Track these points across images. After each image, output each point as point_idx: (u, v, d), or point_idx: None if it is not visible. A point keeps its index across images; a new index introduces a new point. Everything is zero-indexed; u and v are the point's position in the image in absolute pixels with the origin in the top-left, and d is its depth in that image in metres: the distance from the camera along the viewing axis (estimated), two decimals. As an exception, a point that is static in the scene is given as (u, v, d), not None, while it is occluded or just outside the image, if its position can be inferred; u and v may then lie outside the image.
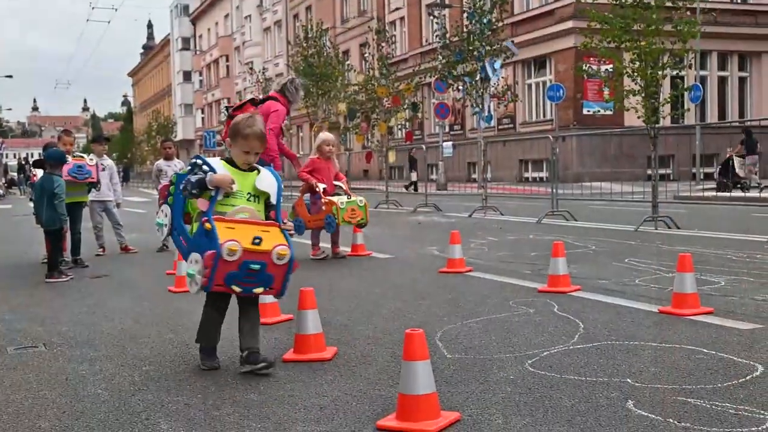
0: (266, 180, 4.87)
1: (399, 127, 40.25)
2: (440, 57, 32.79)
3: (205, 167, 4.71)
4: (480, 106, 31.41)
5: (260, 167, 4.94)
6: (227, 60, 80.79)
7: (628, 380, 4.37)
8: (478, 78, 30.32)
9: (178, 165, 12.90)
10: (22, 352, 5.66)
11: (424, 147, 27.75)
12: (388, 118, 32.21)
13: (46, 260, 9.84)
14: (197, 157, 5.04)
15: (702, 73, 35.56)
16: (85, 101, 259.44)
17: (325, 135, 10.92)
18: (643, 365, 4.69)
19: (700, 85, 29.94)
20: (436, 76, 33.72)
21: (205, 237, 4.57)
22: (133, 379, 4.80)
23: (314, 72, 38.66)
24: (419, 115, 40.46)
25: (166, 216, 5.03)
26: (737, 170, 25.86)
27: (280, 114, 9.66)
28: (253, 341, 4.81)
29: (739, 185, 24.81)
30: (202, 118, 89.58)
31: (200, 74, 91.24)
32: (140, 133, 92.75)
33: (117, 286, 8.83)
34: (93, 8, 67.67)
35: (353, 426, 3.79)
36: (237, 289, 4.64)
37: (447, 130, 40.77)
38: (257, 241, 4.57)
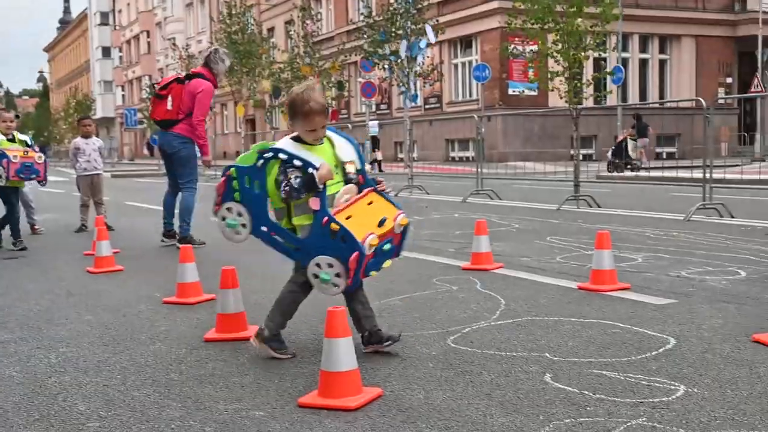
0: (344, 148, 4.57)
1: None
2: (366, 36, 32.77)
3: (296, 162, 4.28)
4: (406, 85, 31.52)
5: (328, 134, 4.58)
6: (148, 36, 79.35)
7: (547, 354, 4.47)
8: (403, 57, 30.38)
9: (96, 143, 12.69)
10: (-66, 334, 5.53)
11: (349, 126, 27.70)
12: (313, 96, 31.98)
13: None
14: (274, 150, 4.42)
15: (624, 55, 36.19)
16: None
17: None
18: (562, 340, 4.80)
19: (622, 67, 30.51)
20: (362, 55, 33.68)
21: (332, 239, 4.22)
22: (49, 361, 4.73)
23: (238, 49, 38.23)
24: (345, 94, 40.39)
25: (239, 215, 4.60)
26: (630, 152, 26.86)
27: (208, 93, 9.59)
28: (371, 321, 4.64)
29: (629, 166, 25.81)
30: (123, 96, 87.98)
31: (120, 50, 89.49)
32: (57, 110, 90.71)
33: (32, 267, 8.66)
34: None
35: (275, 403, 3.81)
36: (374, 273, 4.53)
37: (373, 109, 40.73)
38: (383, 221, 4.38)
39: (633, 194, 16.38)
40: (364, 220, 4.33)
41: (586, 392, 3.81)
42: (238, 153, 51.09)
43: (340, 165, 4.52)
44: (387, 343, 4.60)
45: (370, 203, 4.47)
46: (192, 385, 4.16)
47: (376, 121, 33.97)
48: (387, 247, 4.44)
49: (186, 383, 4.19)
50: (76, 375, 4.42)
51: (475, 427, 3.42)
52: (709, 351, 4.44)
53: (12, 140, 10.23)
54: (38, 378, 4.39)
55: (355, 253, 4.17)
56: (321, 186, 4.25)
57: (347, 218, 4.25)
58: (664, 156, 30.94)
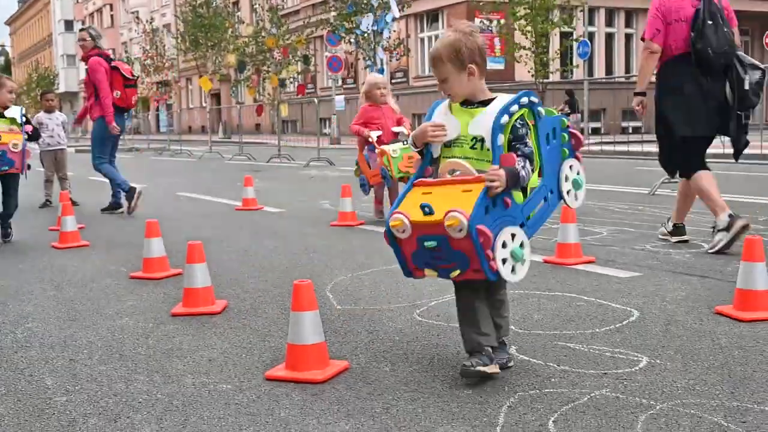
0: (483, 121, 3.61)
1: (291, 80, 39.93)
2: (332, 10, 32.60)
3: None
4: (372, 59, 31.45)
5: (498, 95, 3.70)
6: (111, 9, 78.34)
7: (512, 327, 4.49)
8: (369, 30, 30.30)
9: (59, 118, 12.60)
10: None
11: (316, 101, 27.62)
12: (279, 70, 31.96)
13: None
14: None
15: (590, 29, 36.26)
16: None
17: (374, 77, 9.87)
18: (527, 312, 4.85)
19: (588, 42, 30.55)
20: (328, 29, 33.51)
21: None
22: (15, 336, 4.71)
23: (203, 23, 37.92)
24: (311, 68, 40.22)
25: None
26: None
27: (100, 71, 10.81)
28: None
29: None
30: (86, 70, 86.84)
31: (83, 23, 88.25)
32: (20, 84, 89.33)
33: (-3, 242, 8.60)
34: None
35: (242, 377, 3.83)
36: (433, 272, 3.71)
37: (340, 83, 40.59)
38: (427, 209, 3.47)
39: (598, 169, 16.48)
40: (419, 201, 3.55)
41: (551, 364, 3.86)
42: (203, 128, 50.77)
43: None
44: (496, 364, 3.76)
45: (468, 191, 3.50)
46: (159, 359, 4.16)
47: (343, 96, 33.85)
48: (431, 243, 3.53)
49: (153, 357, 4.20)
50: (42, 350, 4.41)
51: (442, 399, 3.45)
52: (672, 323, 4.50)
53: (1, 116, 8.22)
54: (4, 353, 4.38)
55: (383, 231, 3.73)
56: (418, 147, 3.83)
57: (426, 193, 3.60)
58: (630, 131, 31.08)
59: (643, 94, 7.14)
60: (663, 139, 7.04)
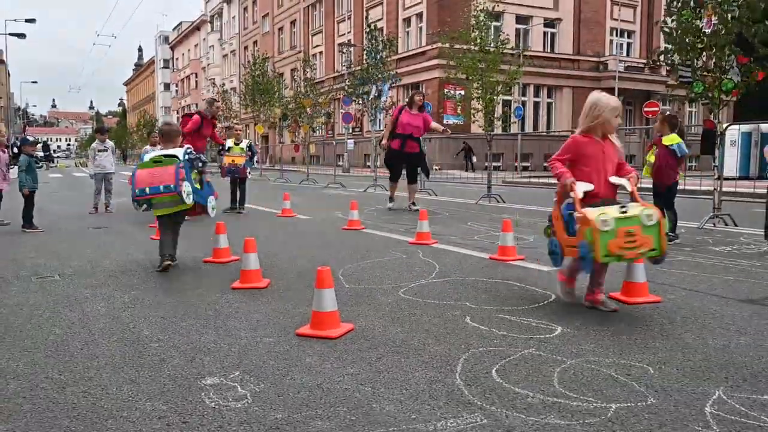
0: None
1: (318, 127, 39.91)
2: (347, 81, 32.58)
3: None
4: (374, 115, 31.48)
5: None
6: (196, 76, 78.22)
7: (467, 303, 4.48)
8: (372, 96, 30.35)
9: (159, 150, 12.55)
10: (43, 280, 5.42)
11: (333, 142, 27.48)
12: (310, 121, 31.94)
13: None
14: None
15: (523, 98, 36.36)
16: (91, 102, 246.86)
17: (613, 101, 4.31)
18: (477, 293, 4.81)
19: (522, 107, 30.62)
20: (343, 94, 33.48)
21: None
22: (123, 300, 4.66)
23: (259, 87, 37.82)
24: (331, 120, 40.14)
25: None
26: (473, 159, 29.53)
27: (195, 121, 10.50)
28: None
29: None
30: (177, 118, 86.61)
31: (176, 86, 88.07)
32: (132, 126, 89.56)
33: (112, 234, 8.53)
34: (98, 35, 65.23)
35: (280, 333, 3.78)
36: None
37: (350, 131, 40.49)
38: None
39: (527, 195, 16.45)
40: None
41: (494, 330, 3.82)
42: (257, 161, 50.68)
43: None
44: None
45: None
46: (223, 319, 4.11)
47: (352, 140, 33.77)
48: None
49: (218, 317, 4.15)
50: (142, 309, 4.36)
51: (417, 352, 3.41)
52: (578, 303, 4.46)
53: (237, 143, 11.34)
54: (115, 311, 4.32)
55: None
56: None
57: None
58: (550, 169, 31.09)
59: None
60: None
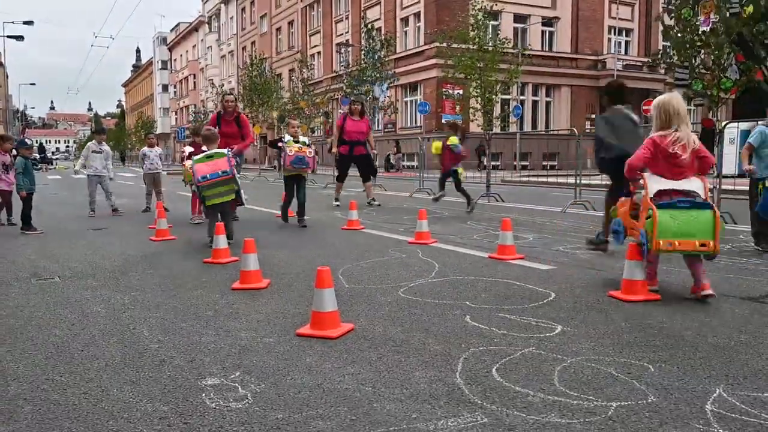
0: None
1: (316, 128, 39.91)
2: (345, 81, 32.60)
3: None
4: (372, 115, 31.47)
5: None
6: (194, 77, 78.15)
7: (467, 302, 4.48)
8: (370, 96, 30.34)
9: (157, 151, 12.58)
10: (43, 282, 5.42)
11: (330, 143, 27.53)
12: (308, 121, 31.95)
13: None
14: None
15: (522, 97, 36.36)
16: (89, 103, 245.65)
17: (673, 98, 4.52)
18: (477, 292, 4.81)
19: (520, 106, 30.66)
20: (342, 94, 33.49)
21: None
22: (123, 301, 4.66)
23: (256, 88, 37.85)
24: (329, 120, 40.13)
25: None
26: (392, 161, 31.97)
27: (211, 119, 10.10)
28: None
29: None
30: (176, 119, 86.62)
31: (174, 87, 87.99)
32: (130, 127, 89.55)
33: (112, 236, 8.52)
34: (96, 37, 65.45)
35: (280, 333, 3.78)
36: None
37: (349, 131, 40.34)
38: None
39: (526, 194, 16.45)
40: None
41: (494, 329, 3.82)
42: (255, 159, 50.61)
43: None
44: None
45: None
46: (223, 319, 4.12)
47: (351, 140, 33.78)
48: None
49: (218, 318, 4.15)
50: (142, 311, 4.36)
51: (417, 351, 3.42)
52: (578, 302, 4.47)
53: (296, 141, 9.42)
54: (115, 313, 4.32)
55: None
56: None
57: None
58: (548, 168, 31.07)
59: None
60: None
